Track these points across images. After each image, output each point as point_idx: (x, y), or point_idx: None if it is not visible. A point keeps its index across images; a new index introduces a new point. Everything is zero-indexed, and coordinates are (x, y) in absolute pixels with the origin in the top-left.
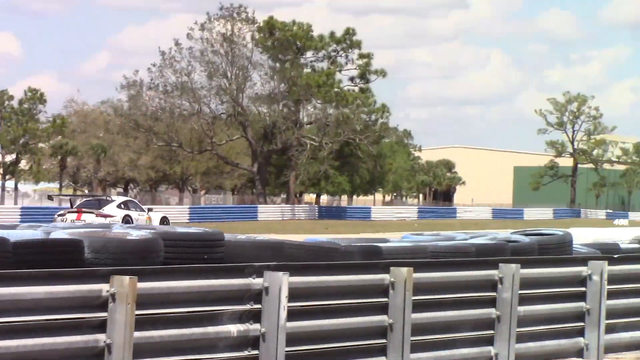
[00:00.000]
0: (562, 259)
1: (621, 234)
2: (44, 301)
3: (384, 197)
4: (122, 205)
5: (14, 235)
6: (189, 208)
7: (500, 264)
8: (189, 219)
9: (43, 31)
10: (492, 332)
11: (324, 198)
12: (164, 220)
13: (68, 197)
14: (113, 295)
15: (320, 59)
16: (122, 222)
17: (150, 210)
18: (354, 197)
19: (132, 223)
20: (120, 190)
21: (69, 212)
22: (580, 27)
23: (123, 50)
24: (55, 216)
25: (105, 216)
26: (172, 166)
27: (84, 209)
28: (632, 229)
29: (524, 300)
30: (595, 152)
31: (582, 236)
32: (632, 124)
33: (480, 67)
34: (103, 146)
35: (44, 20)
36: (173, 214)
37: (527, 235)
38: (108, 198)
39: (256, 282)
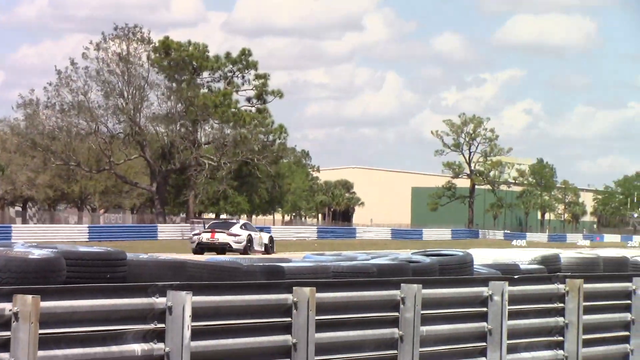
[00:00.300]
0: (464, 280)
1: (520, 255)
2: None
3: (283, 217)
4: (243, 227)
5: None
6: (88, 227)
7: (402, 284)
8: (88, 238)
9: None
10: (395, 352)
11: (224, 217)
12: (271, 240)
13: (202, 221)
14: (16, 314)
15: (217, 79)
16: (246, 241)
17: (261, 230)
18: (253, 216)
19: (253, 241)
20: (19, 209)
21: (204, 232)
22: (473, 49)
23: (18, 69)
24: (192, 235)
25: (234, 235)
26: (71, 185)
27: (216, 229)
28: (531, 249)
29: (426, 320)
30: (492, 174)
31: (482, 257)
32: (528, 145)
33: (375, 89)
34: (0, 165)
35: None
36: (72, 233)
37: (427, 255)
38: (232, 221)
39: (159, 301)
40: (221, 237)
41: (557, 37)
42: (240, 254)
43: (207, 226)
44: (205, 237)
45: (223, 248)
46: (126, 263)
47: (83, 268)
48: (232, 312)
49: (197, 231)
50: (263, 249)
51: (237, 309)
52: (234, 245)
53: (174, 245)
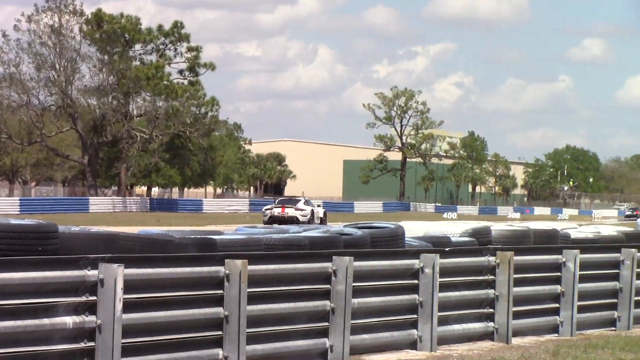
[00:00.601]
0: (395, 252)
1: (451, 228)
2: None
3: (215, 190)
4: (305, 203)
5: None
6: (20, 200)
7: (334, 257)
8: (19, 211)
9: None
10: (326, 324)
11: (156, 190)
12: (325, 214)
13: (273, 200)
14: None
15: (149, 51)
16: (310, 215)
17: (319, 205)
18: (186, 189)
19: (314, 215)
20: None
21: (275, 207)
22: (405, 23)
23: None
24: (263, 209)
25: (301, 209)
26: (2, 158)
27: (285, 205)
28: (462, 222)
29: (358, 292)
30: (423, 147)
31: (414, 229)
32: (459, 118)
33: (308, 61)
34: None
35: None
36: (3, 206)
37: (359, 228)
38: (298, 198)
39: (91, 274)
40: (290, 212)
41: (488, 10)
42: None
43: (276, 202)
44: (277, 211)
45: (292, 221)
46: (58, 236)
47: (14, 241)
48: (164, 284)
49: (269, 206)
50: (319, 222)
51: (169, 281)
52: (301, 219)
53: (105, 218)
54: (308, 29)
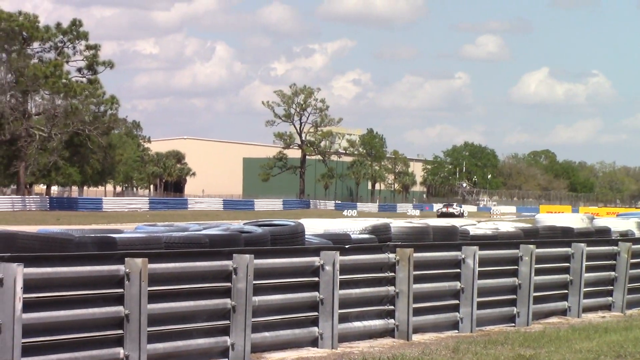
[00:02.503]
0: (295, 249)
1: (351, 225)
2: None
3: (115, 188)
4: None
5: None
6: None
7: (234, 255)
8: None
9: None
10: (227, 322)
11: (55, 189)
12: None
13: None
14: None
15: (47, 49)
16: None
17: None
18: (85, 188)
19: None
20: None
21: (444, 206)
22: (301, 20)
23: None
24: (439, 209)
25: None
26: None
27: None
28: (362, 219)
29: (258, 290)
30: (322, 144)
31: (314, 227)
32: (357, 116)
33: (205, 59)
34: None
35: None
36: None
37: (259, 225)
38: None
39: None
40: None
41: (384, 7)
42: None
43: (443, 205)
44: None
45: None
46: None
47: None
48: (64, 283)
49: (441, 206)
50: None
51: (69, 280)
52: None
53: (4, 217)
54: (205, 27)
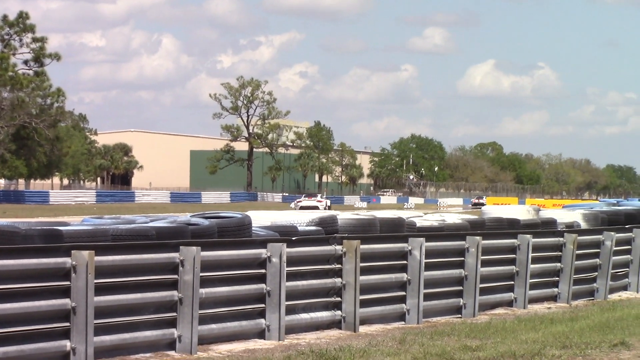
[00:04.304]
0: (242, 241)
1: (298, 217)
2: None
3: (61, 181)
4: (321, 196)
5: None
6: None
7: (181, 247)
8: None
9: None
10: (174, 314)
11: (1, 182)
12: (330, 204)
13: (303, 195)
14: None
15: None
16: (325, 204)
17: (328, 199)
18: (32, 181)
19: (326, 207)
20: None
21: (303, 199)
22: (247, 12)
23: None
24: (295, 202)
25: (320, 201)
26: None
27: (312, 197)
28: (308, 211)
29: (205, 282)
30: (270, 137)
31: (261, 219)
32: (305, 108)
33: (152, 52)
34: None
35: None
36: None
37: (206, 218)
38: (316, 193)
39: None
40: (313, 203)
41: (331, 0)
42: None
43: (303, 196)
44: (305, 201)
45: (315, 207)
46: None
47: None
48: (10, 276)
49: (299, 199)
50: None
51: (15, 273)
52: (320, 207)
53: None
54: (151, 19)
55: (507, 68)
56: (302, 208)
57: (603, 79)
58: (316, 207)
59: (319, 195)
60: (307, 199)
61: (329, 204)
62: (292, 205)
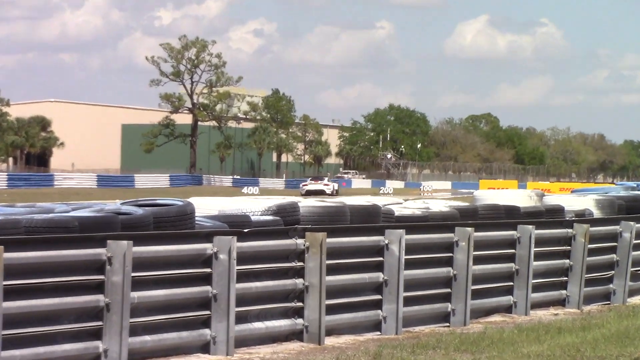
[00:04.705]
0: (183, 235)
1: (252, 205)
2: None
3: None
4: (328, 179)
5: None
6: None
7: (108, 241)
8: None
9: None
10: (100, 323)
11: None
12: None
13: (310, 178)
14: None
15: None
16: (332, 189)
17: (334, 181)
18: None
19: (333, 192)
20: None
21: (309, 183)
22: None
23: None
24: (301, 185)
25: (327, 184)
26: None
27: (318, 180)
28: (264, 198)
29: (138, 284)
30: (218, 107)
31: (207, 207)
32: (260, 74)
33: (76, 6)
34: None
35: None
36: None
37: (140, 206)
38: (323, 176)
39: None
40: (319, 186)
41: None
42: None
43: (310, 179)
44: (311, 185)
45: (321, 192)
46: None
47: None
48: None
49: (305, 182)
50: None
51: None
52: (327, 191)
53: None
54: None
55: (504, 25)
56: (308, 193)
57: (618, 38)
58: (323, 192)
59: (326, 178)
60: (313, 182)
61: (336, 187)
62: (300, 189)
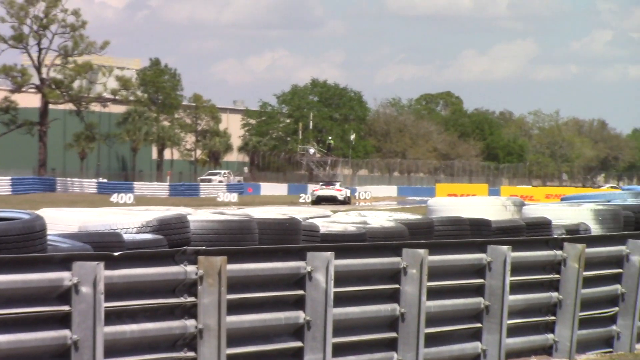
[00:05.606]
0: (29, 260)
1: (125, 218)
2: None
3: None
4: (340, 185)
5: None
6: None
7: None
8: None
9: None
10: None
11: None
12: (350, 194)
13: (321, 182)
14: None
15: None
16: (345, 195)
17: (348, 188)
18: None
19: (346, 198)
20: None
21: (321, 188)
22: None
23: None
24: (312, 191)
25: (339, 190)
26: None
27: (329, 185)
28: (141, 209)
29: None
30: (76, 85)
31: (63, 222)
32: (133, 38)
33: None
34: None
35: None
36: None
37: None
38: (335, 182)
39: None
40: (332, 192)
41: None
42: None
43: (321, 184)
44: (322, 191)
45: (333, 198)
46: None
47: None
48: None
49: (316, 187)
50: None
51: None
52: (339, 197)
53: None
54: None
55: None
56: (319, 199)
57: None
58: (335, 199)
59: (338, 183)
60: (325, 187)
61: (348, 194)
62: (309, 195)
